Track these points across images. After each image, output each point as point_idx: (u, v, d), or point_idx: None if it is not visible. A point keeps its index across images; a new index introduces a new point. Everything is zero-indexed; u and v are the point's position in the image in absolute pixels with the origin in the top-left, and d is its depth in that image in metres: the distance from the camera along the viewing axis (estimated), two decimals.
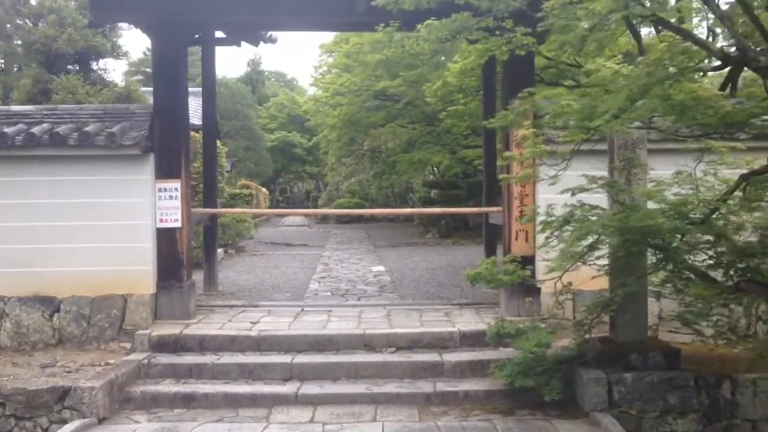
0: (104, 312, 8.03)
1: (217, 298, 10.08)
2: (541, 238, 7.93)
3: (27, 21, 17.67)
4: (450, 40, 5.65)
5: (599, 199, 6.41)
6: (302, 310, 9.07)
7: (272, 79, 65.98)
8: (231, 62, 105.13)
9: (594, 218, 5.41)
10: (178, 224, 8.25)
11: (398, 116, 22.62)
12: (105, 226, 8.05)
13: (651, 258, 5.90)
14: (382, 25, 6.17)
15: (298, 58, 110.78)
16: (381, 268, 14.14)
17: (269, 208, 47.99)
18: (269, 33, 10.23)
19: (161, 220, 8.23)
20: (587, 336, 6.61)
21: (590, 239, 5.44)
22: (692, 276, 5.38)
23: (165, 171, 8.21)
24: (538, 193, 8.10)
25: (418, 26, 5.57)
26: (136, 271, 8.11)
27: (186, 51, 8.72)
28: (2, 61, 19.36)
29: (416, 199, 39.06)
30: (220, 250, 16.00)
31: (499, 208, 8.91)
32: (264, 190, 40.75)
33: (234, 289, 11.10)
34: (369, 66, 19.06)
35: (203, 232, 10.59)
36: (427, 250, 18.51)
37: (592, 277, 6.55)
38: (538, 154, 5.94)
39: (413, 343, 7.63)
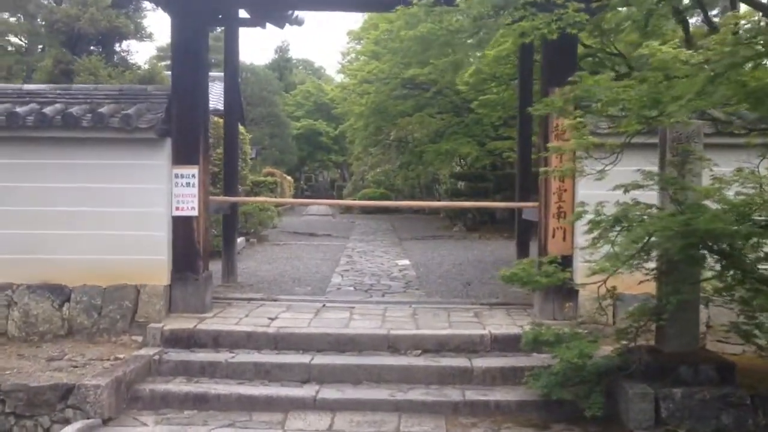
0: (116, 303, 7.64)
1: (235, 290, 9.66)
2: (581, 238, 7.45)
3: (50, 1, 17.38)
4: (492, 17, 5.12)
5: (648, 197, 5.88)
6: (323, 305, 8.62)
7: (300, 67, 65.63)
8: (258, 49, 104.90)
9: (647, 218, 4.86)
10: (195, 212, 7.82)
11: (427, 106, 22.04)
12: (119, 212, 7.65)
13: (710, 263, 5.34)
14: None
15: (326, 47, 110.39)
16: (406, 261, 13.65)
17: (294, 196, 47.82)
18: (295, 14, 9.73)
19: (177, 208, 7.81)
20: (631, 345, 6.09)
21: (644, 241, 4.89)
22: (760, 285, 4.81)
23: (182, 156, 7.78)
24: (578, 188, 7.55)
25: (457, 1, 5.04)
26: (150, 260, 7.70)
27: (206, 30, 8.29)
28: (26, 41, 19.15)
29: (443, 191, 38.52)
30: (241, 239, 15.65)
31: (535, 204, 8.37)
32: (289, 178, 40.45)
33: (253, 280, 10.69)
34: (398, 53, 18.46)
35: (222, 221, 10.17)
36: (453, 243, 17.99)
37: (639, 282, 5.98)
38: (584, 146, 5.39)
39: (441, 345, 7.14)
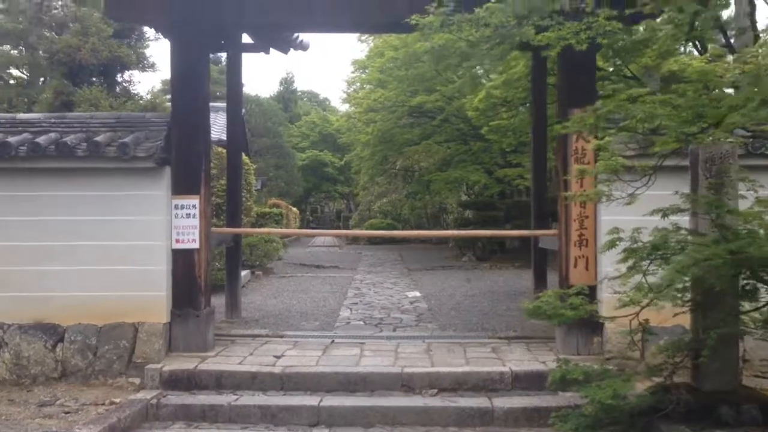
0: (112, 342, 7.21)
1: (239, 325, 9.22)
2: (607, 267, 7.02)
3: (51, 31, 17.15)
4: (515, 27, 4.74)
5: (674, 223, 5.47)
6: (332, 342, 8.17)
7: (305, 99, 65.76)
8: (263, 81, 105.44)
9: (690, 246, 4.42)
10: (196, 245, 7.43)
11: (433, 134, 21.78)
12: (115, 246, 7.26)
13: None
14: (434, 4, 5.25)
15: (331, 78, 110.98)
16: (417, 293, 13.19)
17: (299, 227, 47.46)
18: (300, 38, 9.44)
19: (177, 241, 7.42)
20: (666, 383, 5.61)
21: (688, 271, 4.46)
22: None
23: (182, 186, 7.41)
24: (600, 214, 7.15)
25: (476, 10, 4.68)
26: (149, 297, 7.29)
27: (207, 55, 7.96)
28: (27, 73, 18.96)
29: (451, 221, 38.16)
30: (246, 272, 15.23)
31: (554, 231, 7.95)
32: (294, 209, 40.12)
33: (258, 315, 10.24)
34: (404, 81, 18.29)
35: (226, 254, 9.76)
36: (464, 273, 17.52)
37: (674, 314, 5.53)
38: (612, 169, 4.97)
39: (458, 384, 6.67)
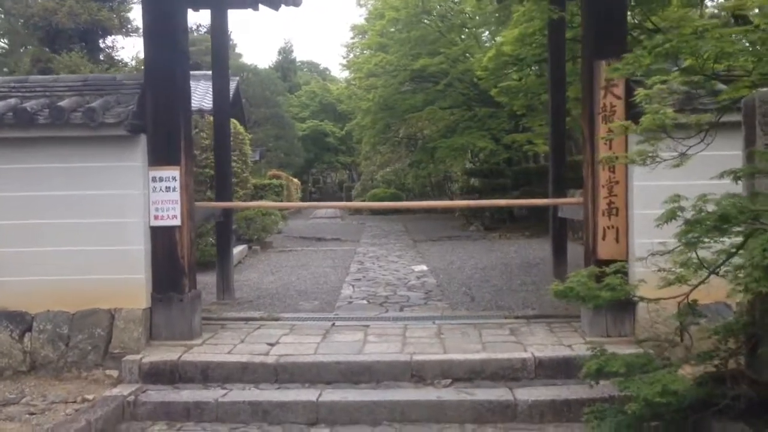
0: (86, 331, 6.45)
1: (231, 307, 8.47)
2: (640, 238, 6.23)
3: None
4: None
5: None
6: (333, 325, 7.41)
7: (305, 69, 64.57)
8: (261, 51, 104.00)
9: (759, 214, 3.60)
10: (177, 222, 6.63)
11: (437, 99, 20.81)
12: (86, 224, 6.47)
13: None
14: None
15: (331, 48, 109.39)
16: (423, 267, 12.42)
17: (302, 199, 46.72)
18: None
19: (156, 217, 6.62)
20: (717, 373, 4.84)
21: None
22: None
23: (160, 156, 6.60)
24: (632, 179, 6.33)
25: None
26: (126, 280, 6.51)
27: (185, 9, 7.06)
28: (7, 42, 17.98)
29: (456, 189, 37.32)
30: (243, 247, 14.48)
31: (578, 199, 7.14)
32: (296, 180, 39.31)
33: (253, 295, 9.48)
34: (406, 43, 17.31)
35: (216, 230, 8.98)
36: (472, 244, 16.74)
37: (727, 294, 4.72)
38: (659, 125, 4.13)
39: (474, 373, 5.91)
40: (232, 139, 15.70)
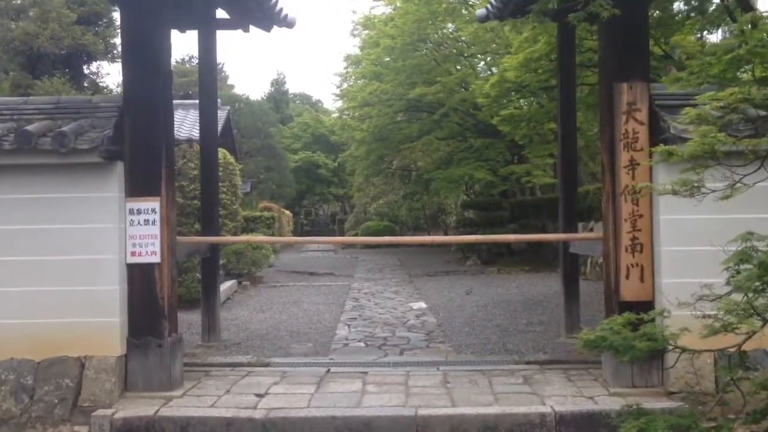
0: (53, 382, 5.77)
1: (217, 351, 7.80)
2: (668, 278, 5.66)
3: (7, 18, 15.52)
4: None
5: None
6: (328, 371, 6.75)
7: (297, 102, 64.33)
8: (253, 83, 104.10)
9: None
10: (157, 258, 6.00)
11: (433, 130, 20.31)
12: (54, 262, 5.84)
13: None
14: None
15: (324, 81, 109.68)
16: (422, 304, 11.77)
17: (294, 231, 46.06)
18: (284, 13, 7.99)
19: (133, 254, 5.99)
20: None
21: None
22: None
23: (138, 186, 5.99)
24: (658, 212, 5.76)
25: None
26: (98, 324, 5.85)
27: (168, 29, 6.48)
28: None
29: (452, 222, 36.82)
30: (232, 282, 13.82)
31: (597, 234, 6.56)
32: (287, 212, 38.69)
33: (242, 336, 8.81)
34: (402, 72, 16.82)
35: (201, 266, 8.34)
36: (470, 280, 16.10)
37: None
38: (709, 150, 3.57)
39: (488, 430, 5.26)
40: (221, 169, 15.14)
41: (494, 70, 17.70)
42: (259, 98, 51.95)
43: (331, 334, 8.95)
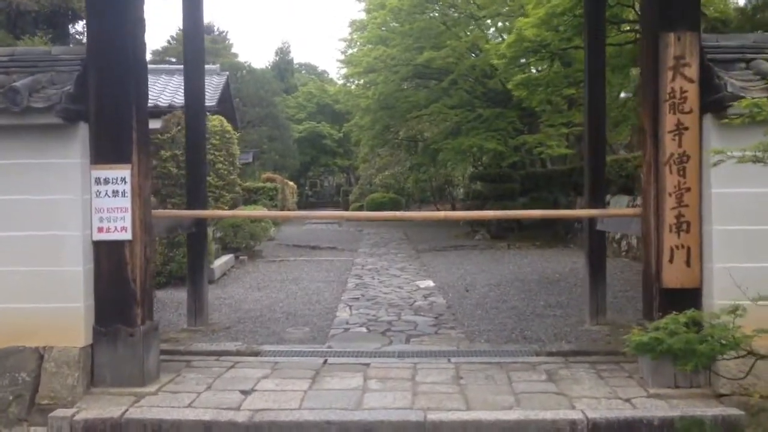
0: (7, 376, 5.02)
1: (203, 336, 7.04)
2: (721, 262, 4.86)
3: None
4: None
5: None
6: (325, 363, 5.99)
7: (303, 72, 63.15)
8: (258, 53, 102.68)
9: None
10: (127, 235, 5.21)
11: (441, 98, 19.37)
12: (7, 239, 5.07)
13: None
14: None
15: (329, 52, 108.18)
16: (430, 283, 11.00)
17: (297, 203, 45.34)
18: None
19: (100, 230, 5.20)
20: None
21: None
22: None
23: (106, 151, 5.19)
24: (708, 185, 4.93)
25: None
26: (59, 310, 5.09)
27: None
28: None
29: (460, 194, 35.95)
30: (229, 257, 13.08)
31: (635, 210, 5.73)
32: (291, 183, 37.90)
33: (233, 318, 8.06)
34: (410, 35, 15.84)
35: (187, 243, 7.55)
36: (479, 255, 15.32)
37: None
38: None
39: None
40: (218, 138, 14.32)
41: (505, 36, 16.80)
42: (264, 67, 50.91)
43: (331, 317, 8.19)
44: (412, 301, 9.27)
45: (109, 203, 5.19)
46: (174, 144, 13.71)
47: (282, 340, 6.95)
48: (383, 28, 18.51)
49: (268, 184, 28.30)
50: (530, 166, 25.32)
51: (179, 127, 13.80)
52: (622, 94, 14.34)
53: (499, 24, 18.74)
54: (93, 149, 5.18)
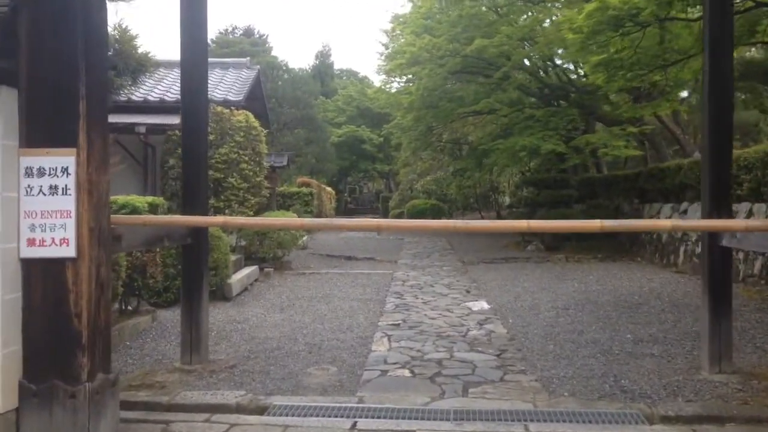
0: None
1: (198, 379, 5.44)
2: None
3: None
4: None
5: None
6: (353, 427, 4.32)
7: (343, 78, 61.76)
8: (298, 56, 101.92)
9: None
10: (70, 250, 3.63)
11: (492, 94, 17.59)
12: None
13: None
14: None
15: (371, 58, 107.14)
16: (484, 305, 9.24)
17: (337, 209, 43.87)
18: None
19: (31, 242, 3.63)
20: None
21: None
22: None
23: (41, 129, 3.62)
24: None
25: None
26: None
27: None
28: None
29: (503, 201, 34.13)
30: (252, 269, 11.53)
31: None
32: (329, 189, 36.50)
33: (243, 351, 6.45)
34: (458, 24, 14.11)
35: (183, 258, 5.94)
36: (535, 269, 13.51)
37: None
38: None
39: None
40: (242, 135, 12.78)
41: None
42: (303, 68, 49.65)
43: (365, 351, 6.51)
44: (465, 330, 7.53)
45: (45, 204, 3.61)
46: None
47: (299, 387, 5.30)
48: (428, 18, 16.86)
49: (304, 189, 26.85)
50: (582, 171, 23.44)
51: None
52: None
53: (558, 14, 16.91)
54: (23, 126, 3.61)
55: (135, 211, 8.71)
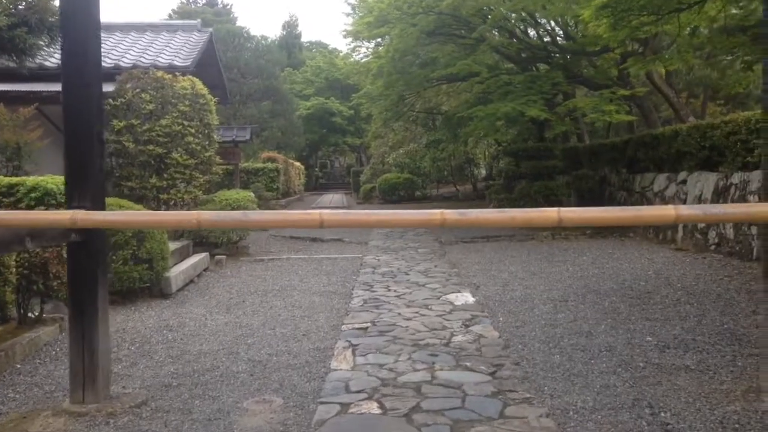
0: None
1: (89, 426, 3.97)
2: None
3: None
4: None
5: None
6: None
7: (313, 50, 59.83)
8: (264, 27, 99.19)
9: None
10: None
11: (469, 57, 16.12)
12: None
13: None
14: None
15: (340, 27, 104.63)
16: (468, 297, 7.86)
17: (306, 185, 42.22)
18: None
19: None
20: None
21: None
22: None
23: None
24: None
25: None
26: None
27: None
28: None
29: (479, 174, 32.90)
30: (201, 257, 10.05)
31: None
32: (297, 164, 34.92)
33: (161, 377, 4.99)
34: None
35: (68, 260, 4.44)
36: (521, 249, 12.19)
37: None
38: None
39: None
40: (188, 103, 11.20)
41: None
42: (270, 42, 47.70)
43: (322, 371, 5.08)
44: (448, 335, 6.11)
45: None
46: (130, 111, 10.70)
47: None
48: None
49: (269, 165, 25.31)
50: (563, 141, 22.18)
51: (137, 90, 10.79)
52: None
53: None
54: None
55: (47, 194, 7.27)
